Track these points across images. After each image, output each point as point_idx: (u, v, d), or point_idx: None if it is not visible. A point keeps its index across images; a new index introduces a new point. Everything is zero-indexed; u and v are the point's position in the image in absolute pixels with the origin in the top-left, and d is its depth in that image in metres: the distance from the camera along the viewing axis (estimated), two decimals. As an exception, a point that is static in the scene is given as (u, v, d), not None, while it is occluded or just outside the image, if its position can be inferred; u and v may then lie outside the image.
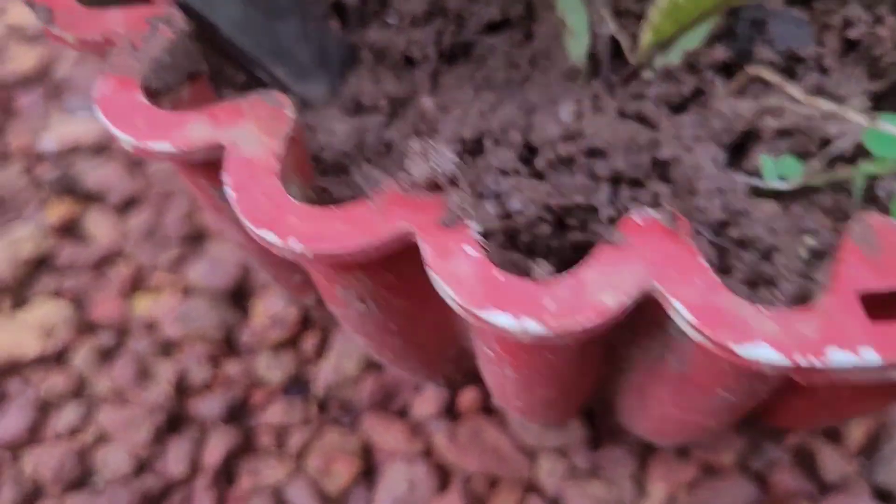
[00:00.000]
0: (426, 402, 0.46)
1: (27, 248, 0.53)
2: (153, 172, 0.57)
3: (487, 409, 0.46)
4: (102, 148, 0.58)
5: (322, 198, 0.29)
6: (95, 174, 0.56)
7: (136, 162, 0.57)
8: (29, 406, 0.47)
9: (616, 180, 0.28)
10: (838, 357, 0.21)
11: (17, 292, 0.51)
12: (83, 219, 0.55)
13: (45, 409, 0.47)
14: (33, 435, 0.46)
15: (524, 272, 0.26)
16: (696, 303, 0.22)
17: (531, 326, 0.21)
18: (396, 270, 0.26)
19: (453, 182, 0.24)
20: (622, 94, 0.31)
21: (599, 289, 0.22)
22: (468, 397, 0.46)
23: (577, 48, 0.32)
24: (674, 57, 0.32)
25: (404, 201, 0.24)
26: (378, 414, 0.46)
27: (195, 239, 0.53)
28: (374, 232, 0.23)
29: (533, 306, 0.22)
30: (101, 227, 0.54)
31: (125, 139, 0.26)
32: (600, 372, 0.33)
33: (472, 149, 0.30)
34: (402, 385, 0.47)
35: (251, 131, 0.26)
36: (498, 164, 0.28)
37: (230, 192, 0.25)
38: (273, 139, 0.25)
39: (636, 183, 0.29)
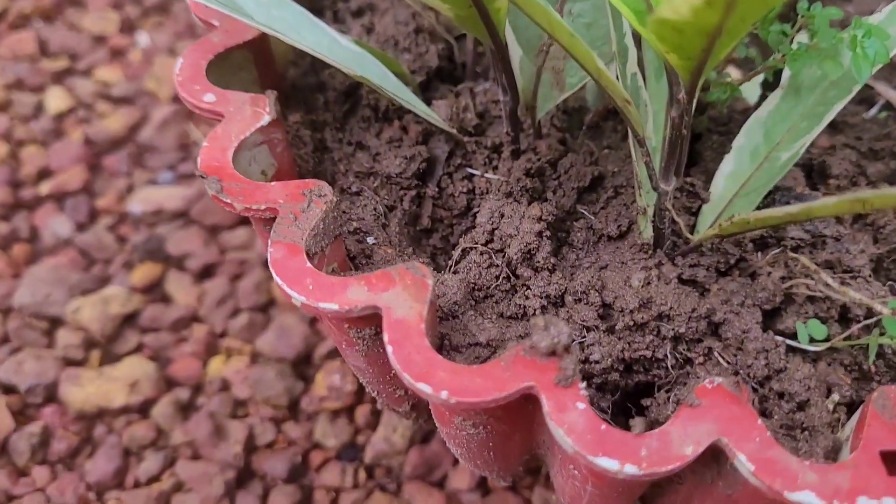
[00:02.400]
0: (462, 476, 0.53)
1: (115, 307, 0.59)
2: (228, 241, 0.63)
3: (514, 486, 0.53)
4: (183, 214, 0.65)
5: (446, 340, 0.36)
6: (177, 239, 0.63)
7: (213, 231, 0.64)
8: (115, 452, 0.53)
9: (677, 339, 0.35)
10: None
11: (106, 347, 0.58)
12: (164, 281, 0.62)
13: (127, 456, 0.54)
14: (118, 479, 0.53)
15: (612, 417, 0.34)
16: (755, 455, 0.29)
17: (630, 469, 0.28)
18: (507, 407, 0.33)
19: (567, 349, 0.30)
20: (681, 263, 0.38)
21: (681, 441, 0.29)
22: (499, 475, 0.53)
23: (646, 228, 0.39)
24: (707, 224, 0.39)
25: (527, 362, 0.30)
26: (419, 483, 0.53)
27: (265, 308, 0.60)
28: (505, 387, 0.30)
29: (632, 454, 0.29)
30: (180, 291, 0.61)
31: (298, 297, 0.32)
32: (665, 489, 0.39)
33: (555, 302, 0.37)
34: (442, 459, 0.54)
35: (401, 296, 0.32)
36: (580, 320, 0.35)
37: (388, 347, 0.30)
38: (419, 304, 0.31)
39: (693, 340, 0.36)
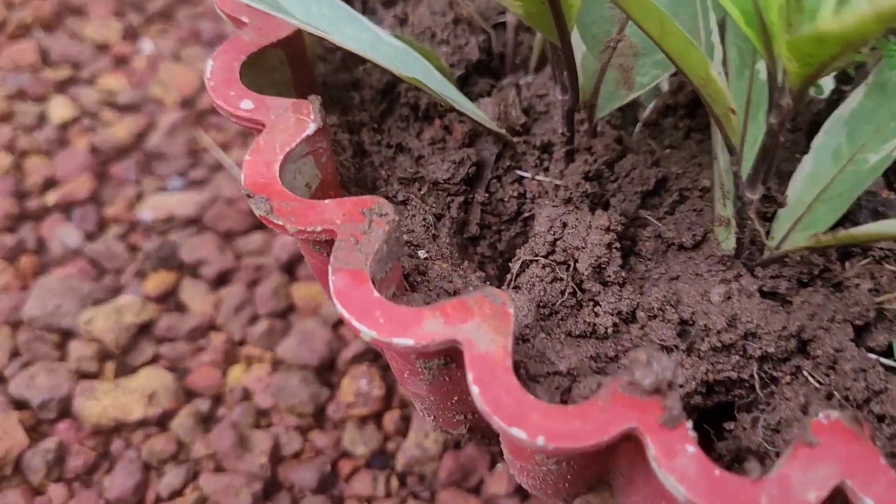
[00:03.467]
0: (498, 481, 0.51)
1: (129, 317, 0.57)
2: (243, 246, 0.61)
3: (554, 490, 0.51)
4: (196, 221, 0.63)
5: (522, 370, 0.33)
6: (190, 247, 0.61)
7: (228, 236, 0.62)
8: (134, 467, 0.51)
9: (763, 358, 0.33)
10: None
11: (120, 358, 0.56)
12: (179, 289, 0.59)
13: (147, 470, 0.51)
14: (138, 495, 0.50)
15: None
16: (883, 499, 0.26)
17: None
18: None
19: (671, 386, 0.28)
20: (762, 275, 0.35)
21: (803, 487, 0.26)
22: (537, 479, 0.50)
23: (727, 238, 0.37)
24: (801, 239, 0.36)
25: (627, 401, 0.27)
26: (454, 490, 0.51)
27: (284, 314, 0.58)
28: (607, 430, 0.27)
29: (751, 503, 0.26)
30: (195, 299, 0.59)
31: (368, 332, 0.29)
32: None
33: (626, 319, 0.35)
34: (477, 464, 0.51)
35: (482, 328, 0.29)
36: (657, 339, 0.33)
37: (473, 388, 0.27)
38: (502, 336, 0.28)
39: (780, 360, 0.34)
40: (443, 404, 0.36)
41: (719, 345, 0.33)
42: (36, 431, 0.52)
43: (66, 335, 0.57)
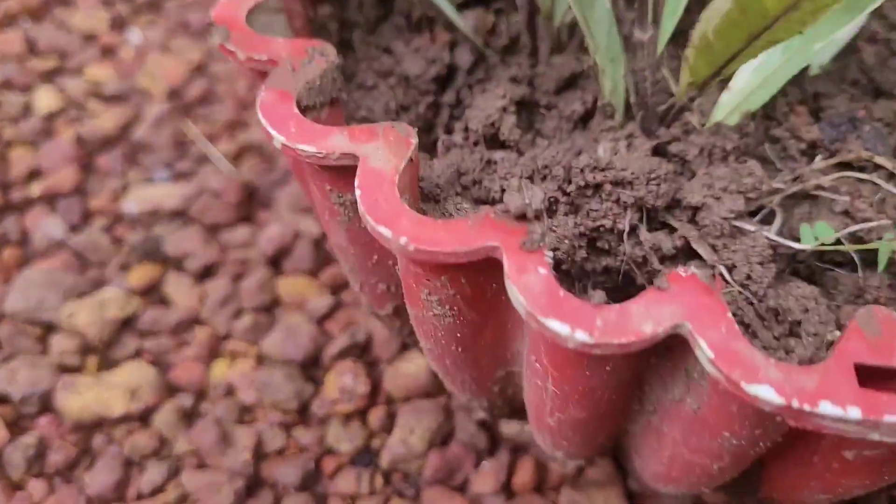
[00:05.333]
0: (484, 480, 0.50)
1: (113, 310, 0.56)
2: (229, 240, 0.61)
3: (539, 488, 0.50)
4: (181, 213, 0.62)
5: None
6: (175, 239, 0.60)
7: (213, 229, 0.61)
8: (115, 463, 0.50)
9: (640, 208, 0.33)
10: (828, 409, 0.26)
11: (103, 352, 0.55)
12: (163, 283, 0.59)
13: (128, 466, 0.51)
14: (119, 492, 0.50)
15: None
16: (717, 344, 0.27)
17: (580, 336, 0.27)
18: (475, 285, 0.32)
19: (538, 216, 0.30)
20: (664, 135, 0.35)
21: (641, 318, 0.28)
22: (522, 478, 0.50)
23: (610, 91, 0.36)
24: (732, 118, 0.36)
25: (495, 224, 0.30)
26: (439, 488, 0.50)
27: (269, 308, 0.57)
28: (468, 242, 0.29)
29: (586, 321, 0.27)
30: (180, 292, 0.58)
31: (278, 137, 0.32)
32: (628, 405, 0.37)
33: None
34: (463, 462, 0.51)
35: (380, 149, 0.32)
36: (542, 191, 0.33)
37: (357, 192, 0.30)
38: (397, 158, 0.32)
39: (666, 226, 0.33)
40: (364, 264, 0.39)
41: (583, 183, 0.32)
42: (17, 426, 0.52)
43: (49, 329, 0.56)
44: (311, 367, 0.55)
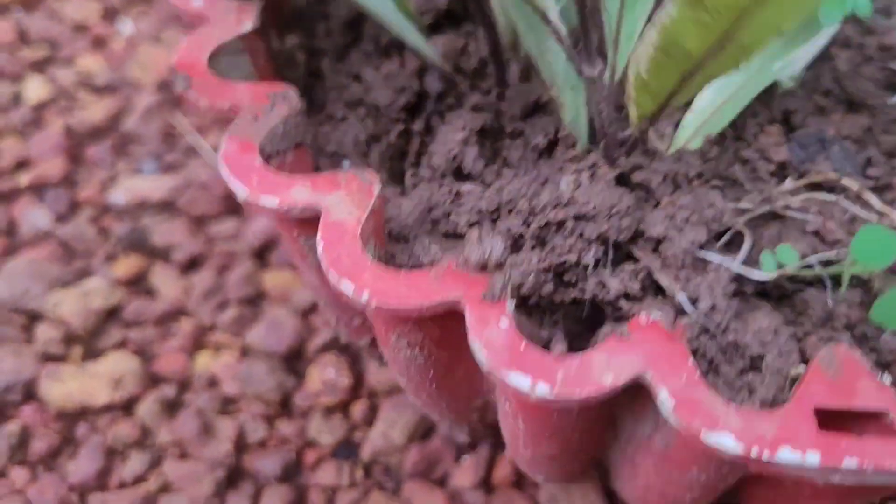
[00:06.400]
0: (464, 474, 0.50)
1: (98, 301, 0.56)
2: (215, 232, 0.61)
3: (519, 483, 0.50)
4: (168, 205, 0.62)
5: (390, 262, 0.35)
6: (162, 231, 0.61)
7: (200, 221, 0.62)
8: (98, 452, 0.51)
9: (604, 242, 0.33)
10: (787, 455, 0.26)
11: (88, 342, 0.55)
12: (149, 274, 0.59)
13: (111, 455, 0.51)
14: (101, 480, 0.50)
15: (545, 344, 0.33)
16: (678, 393, 0.27)
17: (541, 389, 0.27)
18: (443, 328, 0.32)
19: (499, 266, 0.30)
20: (625, 164, 0.35)
21: (602, 369, 0.28)
22: (502, 472, 0.50)
23: (571, 122, 0.36)
24: (695, 141, 0.36)
25: (457, 276, 0.30)
26: (419, 482, 0.50)
27: (254, 301, 0.58)
28: (430, 296, 0.29)
29: (547, 374, 0.27)
30: (165, 284, 0.58)
31: (241, 190, 0.32)
32: (601, 439, 0.38)
33: (491, 219, 0.35)
34: (443, 456, 0.51)
35: (343, 200, 0.32)
36: (506, 229, 0.33)
37: (320, 247, 0.30)
38: (359, 209, 0.32)
39: (630, 257, 0.34)
40: (337, 302, 0.39)
41: (545, 222, 0.32)
42: (0, 414, 0.52)
43: (33, 318, 0.56)
44: (295, 360, 0.55)
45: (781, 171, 0.37)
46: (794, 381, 0.31)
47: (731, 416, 0.27)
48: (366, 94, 0.44)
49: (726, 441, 0.26)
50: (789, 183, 0.36)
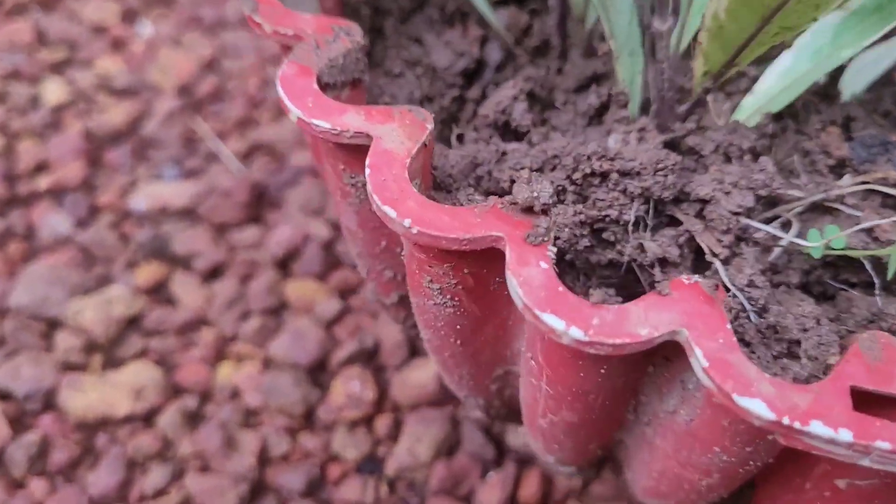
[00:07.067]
0: (490, 491, 0.50)
1: (119, 309, 0.56)
2: (238, 240, 0.60)
3: (545, 502, 0.50)
4: (190, 212, 0.62)
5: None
6: (183, 238, 0.60)
7: (222, 229, 0.61)
8: (118, 464, 0.50)
9: (647, 200, 0.32)
10: (819, 429, 0.25)
11: (108, 351, 0.55)
12: (170, 282, 0.58)
13: (132, 467, 0.50)
14: (121, 492, 0.49)
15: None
16: (713, 354, 0.26)
17: (575, 333, 0.26)
18: (477, 277, 0.32)
19: (545, 210, 0.30)
20: (679, 129, 0.34)
21: (638, 321, 0.27)
22: (528, 490, 0.49)
23: (625, 82, 0.36)
24: (752, 119, 0.36)
25: (502, 215, 0.30)
26: (445, 498, 0.50)
27: (277, 311, 0.57)
28: (472, 229, 0.29)
29: (582, 318, 0.27)
30: (187, 292, 0.57)
31: (295, 111, 0.32)
32: (622, 414, 0.37)
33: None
34: (469, 472, 0.50)
35: (395, 131, 0.32)
36: (549, 181, 0.32)
37: (367, 171, 0.30)
38: (411, 141, 0.31)
39: (673, 223, 0.33)
40: (371, 250, 0.38)
41: (589, 171, 0.32)
42: (19, 423, 0.51)
43: (53, 325, 0.55)
44: (318, 372, 0.54)
45: (840, 168, 0.36)
46: (830, 368, 0.30)
47: (765, 383, 0.26)
48: (425, 55, 0.43)
49: (758, 407, 0.25)
50: (847, 179, 0.35)
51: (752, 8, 0.29)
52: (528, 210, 0.30)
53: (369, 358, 0.55)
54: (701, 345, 0.27)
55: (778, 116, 0.37)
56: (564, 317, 0.27)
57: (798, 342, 0.30)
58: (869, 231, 0.33)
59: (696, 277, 0.29)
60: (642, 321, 0.27)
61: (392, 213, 0.29)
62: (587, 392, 0.32)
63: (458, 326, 0.35)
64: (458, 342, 0.36)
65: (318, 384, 0.54)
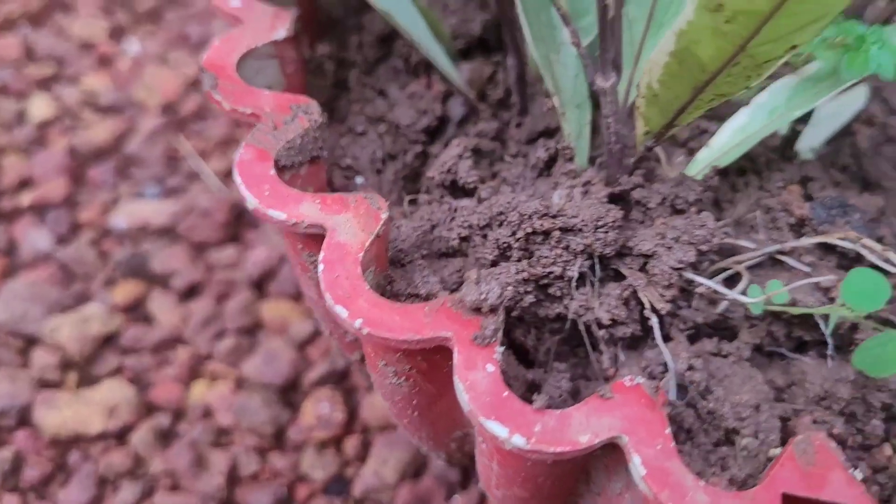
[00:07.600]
0: (455, 514, 0.50)
1: (95, 327, 0.57)
2: (215, 259, 0.61)
3: (510, 524, 0.50)
4: (169, 230, 0.62)
5: (388, 287, 0.35)
6: (162, 257, 0.61)
7: (200, 248, 0.62)
8: (90, 480, 0.51)
9: (590, 256, 0.33)
10: None
11: (84, 368, 0.55)
12: (147, 300, 0.59)
13: (103, 484, 0.51)
14: (92, 510, 0.50)
15: (529, 386, 0.33)
16: (651, 462, 0.28)
17: (517, 440, 0.28)
18: (430, 362, 0.33)
19: (493, 310, 0.31)
20: (626, 182, 0.35)
21: (580, 427, 0.28)
22: (494, 513, 0.50)
23: (572, 136, 0.36)
24: (696, 171, 0.36)
25: (451, 314, 0.31)
26: (410, 520, 0.50)
27: (251, 331, 0.58)
28: (421, 330, 0.30)
29: (525, 426, 0.28)
30: (163, 311, 0.58)
31: (251, 200, 0.33)
32: (573, 487, 0.38)
33: (482, 233, 0.35)
34: (433, 495, 0.51)
35: (350, 221, 0.32)
36: (495, 239, 0.33)
37: (321, 266, 0.31)
38: (364, 233, 0.32)
39: (618, 275, 0.34)
40: (331, 317, 0.39)
41: (531, 230, 0.32)
42: (-7, 439, 0.52)
43: (31, 342, 0.56)
44: (290, 393, 0.55)
45: (800, 227, 0.37)
46: (772, 461, 0.31)
47: (699, 493, 0.27)
48: (389, 111, 0.44)
49: None
50: (806, 239, 0.36)
51: (682, 81, 0.30)
52: (476, 310, 0.31)
53: (340, 379, 0.55)
54: (640, 451, 0.28)
55: (741, 172, 0.39)
56: (508, 423, 0.28)
57: (736, 430, 0.31)
58: (826, 290, 0.34)
59: (639, 379, 0.30)
60: (584, 427, 0.28)
61: (344, 313, 0.30)
62: (536, 476, 0.33)
63: (415, 401, 0.36)
64: (416, 413, 0.37)
65: (290, 404, 0.55)
